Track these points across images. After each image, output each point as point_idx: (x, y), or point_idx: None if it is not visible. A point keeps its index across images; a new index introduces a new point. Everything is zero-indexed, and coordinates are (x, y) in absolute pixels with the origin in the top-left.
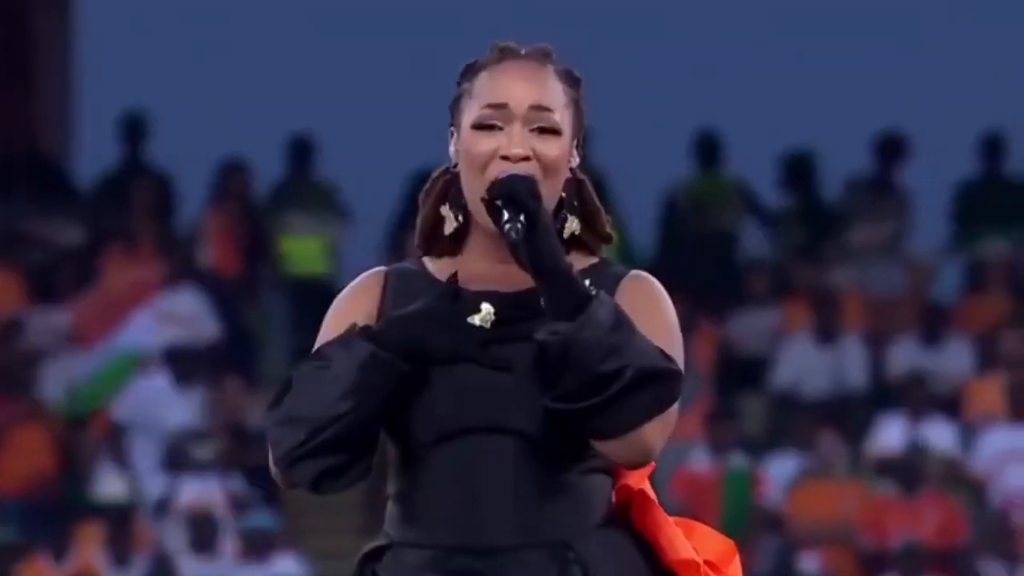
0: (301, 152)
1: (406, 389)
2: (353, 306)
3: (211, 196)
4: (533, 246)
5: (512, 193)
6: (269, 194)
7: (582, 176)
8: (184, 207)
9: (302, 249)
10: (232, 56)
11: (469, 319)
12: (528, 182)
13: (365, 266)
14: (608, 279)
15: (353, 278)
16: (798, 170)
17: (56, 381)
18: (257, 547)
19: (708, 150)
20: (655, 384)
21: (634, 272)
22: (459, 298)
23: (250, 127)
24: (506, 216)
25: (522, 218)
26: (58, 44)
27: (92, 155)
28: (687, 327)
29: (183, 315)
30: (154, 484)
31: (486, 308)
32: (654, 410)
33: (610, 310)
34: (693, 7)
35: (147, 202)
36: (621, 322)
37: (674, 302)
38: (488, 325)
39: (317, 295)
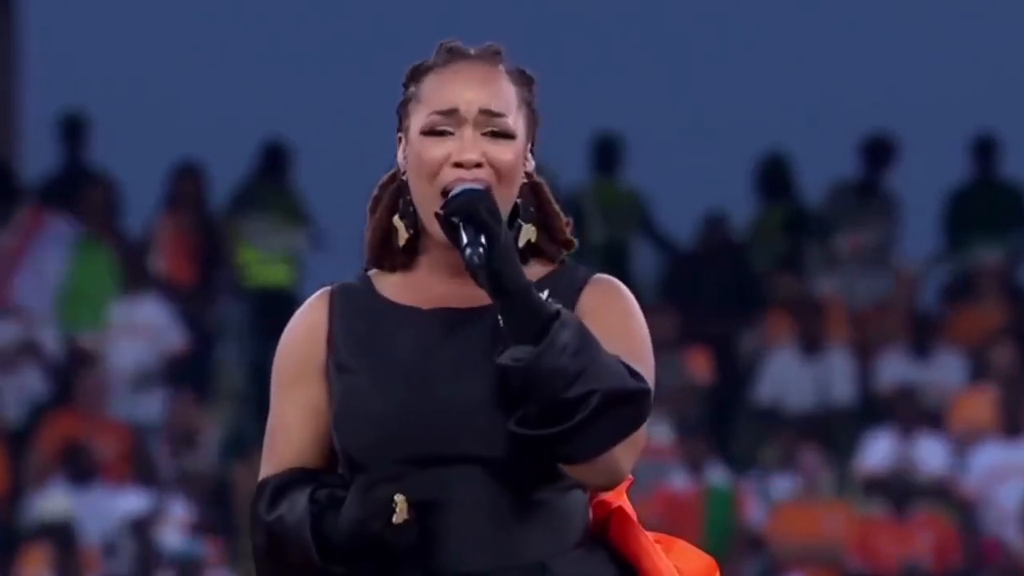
0: (272, 158)
1: (359, 411)
2: (300, 354)
3: (163, 201)
4: (494, 269)
5: (470, 211)
6: (229, 200)
7: (539, 179)
8: (135, 212)
9: (264, 258)
10: (196, 58)
11: (394, 520)
12: (485, 198)
13: (330, 278)
14: (567, 286)
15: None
16: (775, 174)
17: (5, 396)
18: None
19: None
20: (623, 407)
21: (597, 276)
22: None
23: (212, 131)
24: (465, 239)
25: (483, 240)
26: (2, 42)
27: (38, 157)
28: (683, 343)
29: (145, 325)
30: (106, 503)
31: (399, 501)
32: (622, 434)
33: (574, 331)
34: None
35: (95, 206)
36: (585, 343)
37: (673, 317)
38: (401, 520)
39: (278, 307)
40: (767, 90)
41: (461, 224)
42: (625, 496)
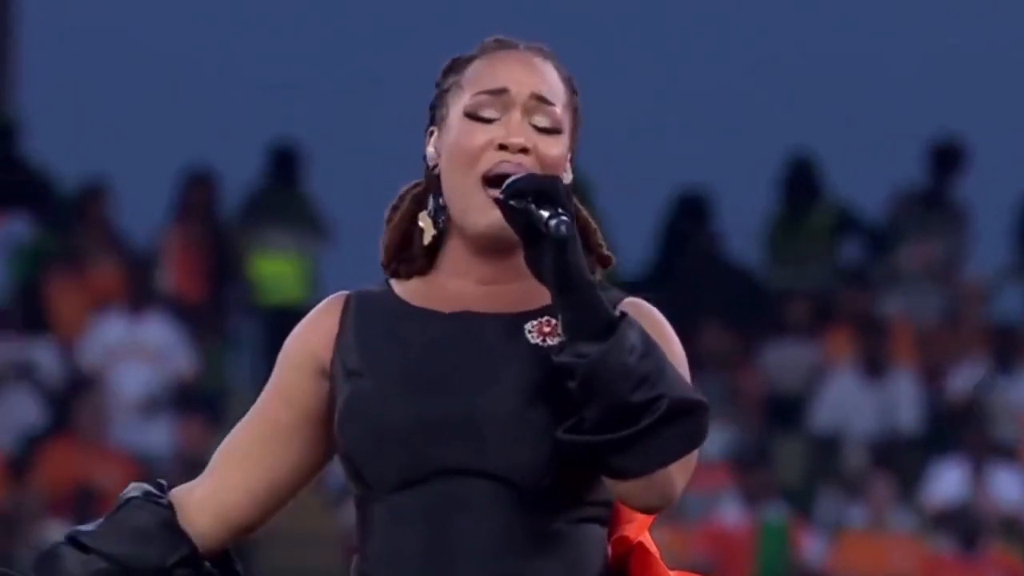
0: (282, 163)
1: (364, 416)
2: (303, 343)
3: (171, 211)
4: (569, 252)
5: (547, 189)
6: (240, 209)
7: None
8: (140, 223)
9: (277, 271)
10: (200, 58)
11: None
12: (559, 179)
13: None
14: None
15: None
16: (803, 178)
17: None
18: None
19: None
20: (687, 418)
21: (631, 299)
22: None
23: (221, 134)
24: (546, 213)
25: (563, 212)
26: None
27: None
28: (726, 362)
29: (151, 347)
30: None
31: None
32: (685, 447)
33: (640, 333)
34: None
35: (96, 217)
36: (651, 347)
37: (706, 333)
38: None
39: (294, 325)
40: (803, 89)
41: (533, 203)
42: (647, 533)
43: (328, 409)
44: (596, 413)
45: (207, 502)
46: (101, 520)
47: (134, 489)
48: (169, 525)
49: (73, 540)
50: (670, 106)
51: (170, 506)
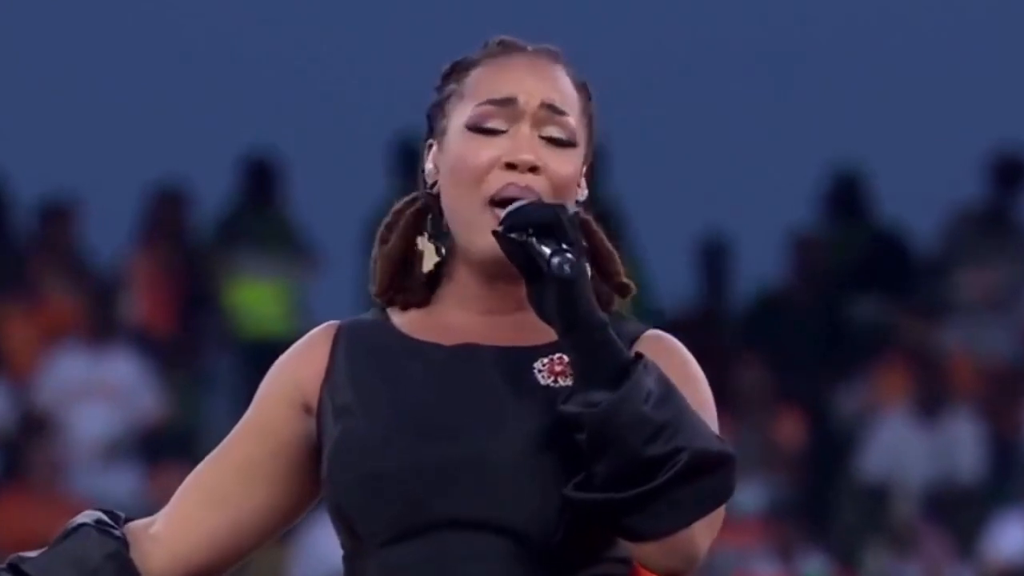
0: (259, 178)
1: (356, 459)
2: (288, 375)
3: (138, 231)
4: (575, 291)
5: (549, 220)
6: (215, 229)
7: (587, 215)
8: (102, 245)
9: (257, 300)
10: (169, 62)
11: None
12: (563, 208)
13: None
14: (621, 339)
15: None
16: (849, 195)
17: None
18: None
19: None
20: (711, 473)
21: (652, 331)
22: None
23: (193, 146)
24: (548, 250)
25: (569, 251)
26: None
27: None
28: (774, 404)
29: (114, 385)
30: None
31: None
32: (708, 506)
33: (657, 378)
34: None
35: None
36: (670, 393)
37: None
38: None
39: (275, 360)
40: (847, 95)
41: (535, 236)
42: None
43: (308, 451)
44: (607, 468)
45: (163, 539)
46: (47, 547)
47: (86, 516)
48: (118, 559)
49: (14, 567)
50: (688, 110)
51: (123, 539)
